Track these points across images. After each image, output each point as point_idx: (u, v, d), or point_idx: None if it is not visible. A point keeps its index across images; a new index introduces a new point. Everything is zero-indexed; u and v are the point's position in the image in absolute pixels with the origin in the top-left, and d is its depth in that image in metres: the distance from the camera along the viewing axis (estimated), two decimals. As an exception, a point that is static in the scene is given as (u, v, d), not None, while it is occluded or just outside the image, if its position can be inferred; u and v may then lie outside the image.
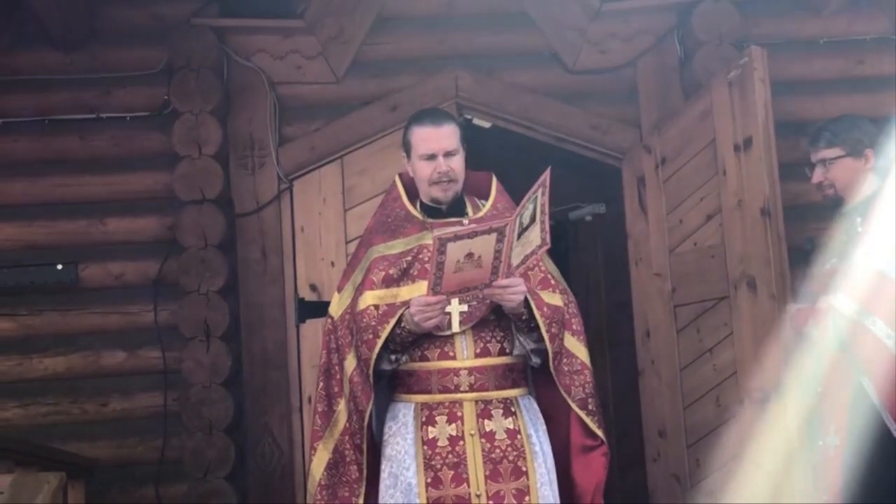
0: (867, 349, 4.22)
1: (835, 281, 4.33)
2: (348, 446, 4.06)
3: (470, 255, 3.70)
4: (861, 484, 4.17)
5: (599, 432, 4.11)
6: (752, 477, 4.69)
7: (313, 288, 6.03)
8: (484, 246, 3.70)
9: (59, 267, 5.98)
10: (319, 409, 4.17)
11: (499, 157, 5.89)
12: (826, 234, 4.61)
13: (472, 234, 3.68)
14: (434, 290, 3.76)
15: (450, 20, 6.22)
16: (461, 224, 4.01)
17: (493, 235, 3.69)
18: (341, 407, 4.10)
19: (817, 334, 4.38)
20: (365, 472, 4.02)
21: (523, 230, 3.78)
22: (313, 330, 5.91)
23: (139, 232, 6.05)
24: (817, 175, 4.60)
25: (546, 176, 3.81)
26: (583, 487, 4.10)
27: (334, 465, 4.10)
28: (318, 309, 5.80)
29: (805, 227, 5.57)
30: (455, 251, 3.67)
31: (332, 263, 6.01)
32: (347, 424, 4.07)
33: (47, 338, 5.99)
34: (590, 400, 4.11)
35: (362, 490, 4.03)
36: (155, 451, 5.89)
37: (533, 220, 3.80)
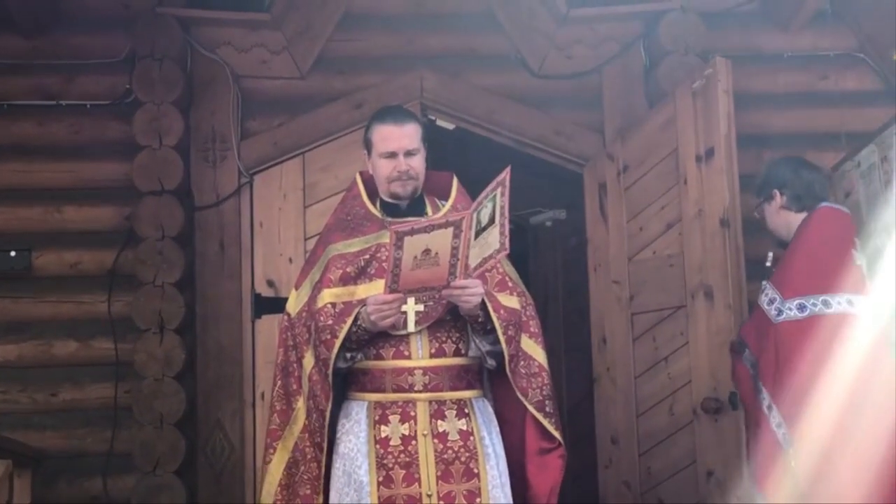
0: (741, 385, 4.58)
1: None
2: (308, 444, 4.04)
3: (427, 252, 3.68)
4: None
5: (557, 434, 4.10)
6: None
7: (270, 284, 5.99)
8: (441, 242, 3.68)
9: (13, 254, 5.91)
10: (278, 408, 4.15)
11: (460, 159, 5.89)
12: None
13: (429, 228, 3.67)
14: (391, 287, 3.74)
15: (417, 20, 6.21)
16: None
17: (450, 230, 3.67)
18: (300, 405, 4.08)
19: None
20: (323, 469, 4.00)
21: (481, 229, 3.77)
22: (269, 326, 5.88)
23: (96, 221, 6.00)
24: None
25: (506, 175, 3.80)
26: (538, 489, 4.09)
27: (294, 464, 4.08)
28: (275, 305, 5.77)
29: (765, 239, 5.59)
30: (412, 246, 3.65)
31: (291, 260, 5.98)
32: (307, 422, 4.04)
33: (-2, 325, 5.92)
34: (547, 402, 4.10)
35: (321, 487, 4.01)
36: (104, 443, 5.84)
37: (492, 221, 3.79)
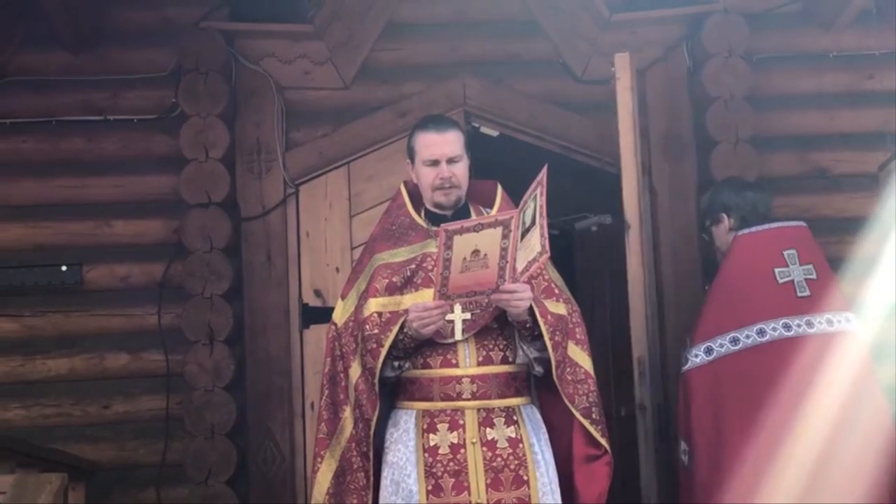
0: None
1: None
2: (355, 454, 4.05)
3: (476, 253, 3.69)
4: None
5: (603, 441, 4.09)
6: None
7: (318, 293, 6.02)
8: (490, 242, 3.69)
9: (64, 268, 5.97)
10: (325, 417, 4.16)
11: (505, 166, 5.88)
12: None
13: (479, 227, 3.67)
14: (441, 291, 3.74)
15: (460, 28, 6.21)
16: None
17: (499, 230, 3.67)
18: (347, 414, 4.09)
19: None
20: (371, 479, 4.01)
21: (525, 231, 3.77)
22: (317, 335, 5.90)
23: (145, 234, 6.04)
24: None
25: (543, 174, 3.80)
26: (585, 497, 4.08)
27: (341, 473, 4.09)
28: (322, 314, 5.78)
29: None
30: (461, 247, 3.66)
31: (337, 269, 6.00)
32: (353, 432, 4.05)
33: (51, 339, 5.98)
34: (594, 409, 4.10)
35: (370, 497, 4.01)
36: (156, 455, 5.88)
37: (533, 222, 3.80)
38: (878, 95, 6.14)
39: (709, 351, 4.48)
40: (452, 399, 3.97)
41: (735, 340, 4.47)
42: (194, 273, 5.85)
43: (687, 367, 4.53)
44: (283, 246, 6.04)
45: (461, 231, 3.65)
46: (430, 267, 4.00)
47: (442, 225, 3.71)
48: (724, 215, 4.86)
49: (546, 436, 4.07)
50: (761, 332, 4.47)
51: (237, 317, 5.89)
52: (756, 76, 6.01)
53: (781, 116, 6.10)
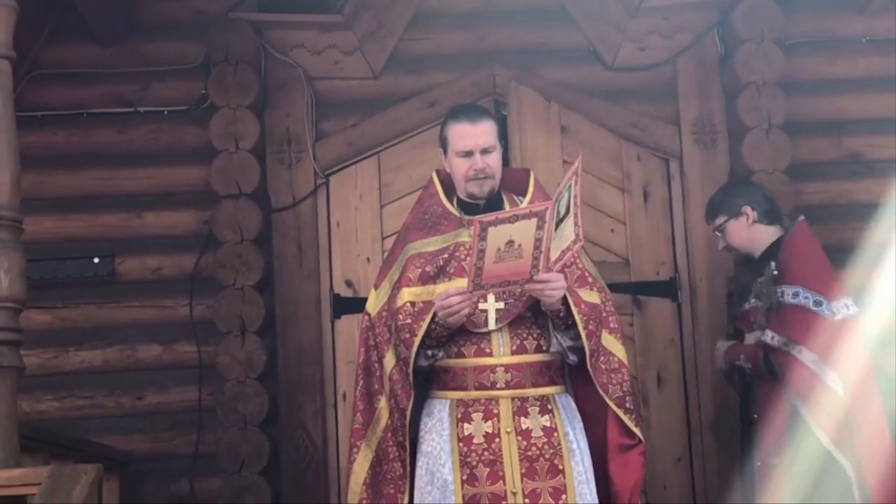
0: (796, 375, 4.57)
1: (759, 319, 4.78)
2: (391, 443, 4.05)
3: (510, 244, 3.67)
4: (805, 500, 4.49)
5: (637, 431, 4.08)
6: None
7: (349, 284, 6.02)
8: (524, 233, 3.67)
9: (96, 260, 5.98)
10: (360, 407, 4.16)
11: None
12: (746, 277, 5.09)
13: (514, 219, 3.65)
14: (475, 282, 3.72)
15: (488, 16, 6.19)
16: None
17: (534, 221, 3.65)
18: (382, 404, 4.09)
19: (750, 367, 4.82)
20: (407, 468, 4.01)
21: (559, 220, 3.75)
22: (348, 326, 5.91)
23: (176, 226, 6.05)
24: (720, 243, 5.09)
25: (578, 163, 3.79)
26: (620, 486, 4.07)
27: (378, 463, 4.09)
28: (354, 305, 5.78)
29: (846, 227, 5.58)
30: (496, 238, 3.64)
31: (368, 259, 5.99)
32: (389, 422, 4.05)
33: (83, 331, 5.99)
34: (627, 398, 4.08)
35: (407, 486, 4.01)
36: (189, 446, 5.89)
37: (567, 211, 3.77)
38: (912, 80, 6.08)
39: (854, 305, 4.65)
40: (486, 388, 3.96)
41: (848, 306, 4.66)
42: (225, 264, 5.85)
43: (839, 316, 4.60)
44: (314, 236, 6.04)
45: (496, 223, 3.64)
46: (462, 256, 3.99)
47: (477, 217, 3.69)
48: (749, 208, 4.93)
49: (581, 425, 4.06)
50: (848, 306, 4.66)
51: (268, 308, 5.89)
52: (788, 61, 5.95)
53: (814, 102, 6.04)
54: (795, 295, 4.67)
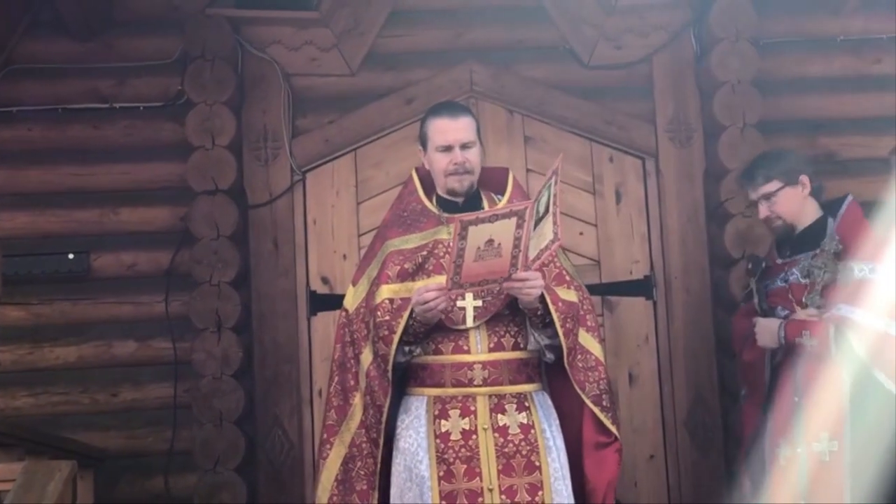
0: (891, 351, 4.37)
1: (812, 296, 4.59)
2: (365, 440, 4.07)
3: (490, 242, 3.69)
4: (872, 485, 4.29)
5: (613, 429, 4.11)
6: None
7: (325, 280, 6.02)
8: (504, 232, 3.69)
9: (71, 256, 5.96)
10: (335, 404, 4.17)
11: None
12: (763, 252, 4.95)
13: (494, 218, 3.67)
14: (454, 280, 3.74)
15: (466, 14, 6.19)
16: None
17: (514, 220, 3.68)
18: (357, 401, 4.10)
19: (816, 344, 4.50)
20: (379, 465, 4.02)
21: (538, 220, 3.77)
22: (324, 323, 5.91)
23: (151, 222, 6.03)
24: (763, 210, 4.80)
25: (558, 163, 3.80)
26: (595, 484, 4.10)
27: (350, 459, 4.10)
28: (330, 302, 5.79)
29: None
30: (476, 236, 3.66)
31: (345, 256, 6.00)
32: (363, 418, 4.07)
33: (58, 327, 5.96)
34: (604, 396, 4.11)
35: (377, 483, 4.02)
36: (165, 442, 5.88)
37: (547, 210, 3.79)
38: (885, 80, 6.11)
39: None
40: (464, 385, 3.98)
41: None
42: (201, 260, 5.84)
43: None
44: (291, 233, 6.03)
45: (476, 222, 3.65)
46: (441, 254, 4.00)
47: (458, 216, 3.71)
48: (806, 178, 4.75)
49: (557, 422, 4.08)
50: None
51: (244, 304, 5.88)
52: (764, 60, 5.98)
53: (789, 101, 6.07)
54: (872, 271, 4.49)
